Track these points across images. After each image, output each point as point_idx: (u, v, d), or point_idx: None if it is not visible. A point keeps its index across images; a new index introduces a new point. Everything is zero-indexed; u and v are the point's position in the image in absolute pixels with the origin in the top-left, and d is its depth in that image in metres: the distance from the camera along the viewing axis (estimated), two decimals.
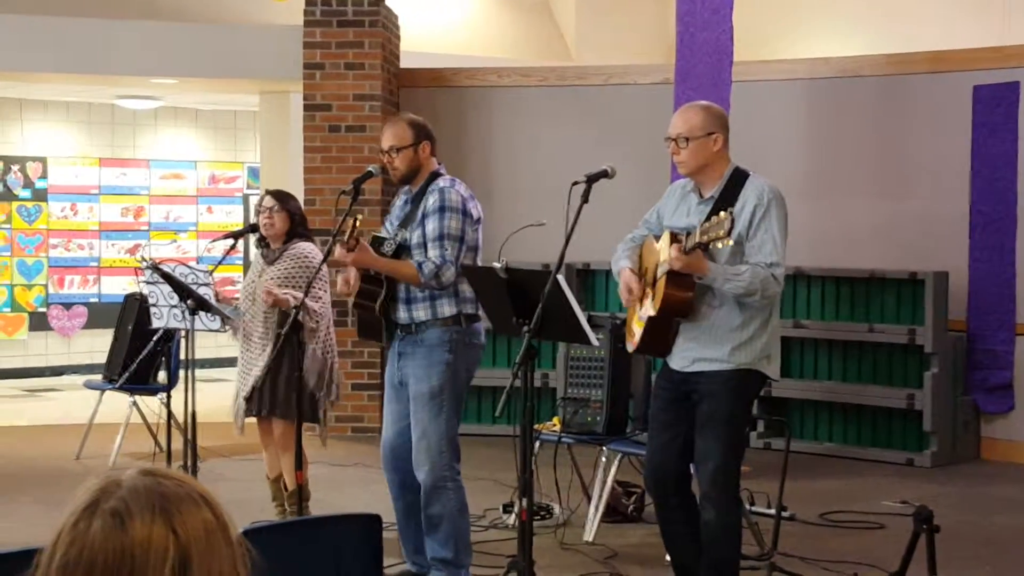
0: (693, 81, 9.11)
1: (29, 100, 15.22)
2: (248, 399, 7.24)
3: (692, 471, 5.64)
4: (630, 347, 5.71)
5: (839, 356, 10.21)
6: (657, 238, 5.56)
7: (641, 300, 5.55)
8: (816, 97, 10.66)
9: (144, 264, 7.52)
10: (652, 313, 5.39)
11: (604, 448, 7.51)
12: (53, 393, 14.26)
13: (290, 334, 6.39)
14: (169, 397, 7.83)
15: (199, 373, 7.34)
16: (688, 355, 5.46)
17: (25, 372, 15.30)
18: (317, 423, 7.35)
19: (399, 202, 6.28)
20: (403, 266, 5.97)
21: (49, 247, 15.52)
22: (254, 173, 16.11)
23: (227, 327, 7.40)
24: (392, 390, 6.23)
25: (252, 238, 7.58)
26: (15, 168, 15.25)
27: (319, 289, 7.08)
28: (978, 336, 10.01)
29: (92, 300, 15.73)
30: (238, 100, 15.23)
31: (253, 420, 7.40)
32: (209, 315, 7.21)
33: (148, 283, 7.46)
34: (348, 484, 8.83)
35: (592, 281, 10.99)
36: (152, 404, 9.48)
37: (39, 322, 15.44)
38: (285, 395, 7.12)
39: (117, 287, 15.23)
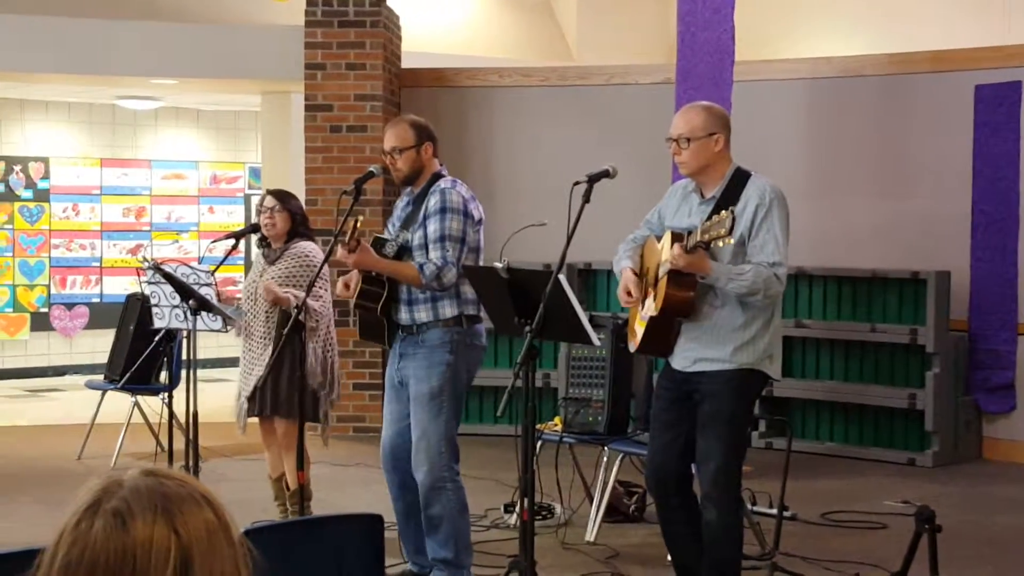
0: (694, 81, 9.11)
1: (30, 100, 15.22)
2: (250, 399, 7.24)
3: (693, 471, 5.64)
4: (632, 347, 5.71)
5: (841, 356, 10.21)
6: (658, 238, 5.56)
7: (643, 300, 5.55)
8: (818, 97, 10.66)
9: (146, 264, 7.52)
10: (654, 313, 5.39)
11: (605, 448, 7.51)
12: (55, 393, 14.27)
13: (291, 334, 6.39)
14: (171, 397, 7.82)
15: (201, 373, 7.34)
16: (690, 355, 5.46)
17: (27, 372, 15.30)
18: (319, 422, 7.35)
19: (401, 203, 6.29)
20: (404, 267, 5.97)
21: (51, 247, 15.53)
22: (255, 173, 16.11)
23: (229, 327, 7.40)
24: (392, 390, 6.23)
25: (253, 238, 7.58)
26: (17, 168, 15.25)
27: (320, 288, 7.08)
28: (980, 336, 10.00)
29: (94, 300, 15.74)
30: (239, 100, 15.24)
31: (255, 420, 7.40)
32: (211, 315, 7.21)
33: (150, 283, 7.46)
34: (350, 484, 8.84)
35: (593, 281, 10.99)
36: (154, 404, 9.48)
37: (41, 322, 15.45)
38: (287, 394, 7.12)
39: (119, 287, 15.23)
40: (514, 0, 14.76)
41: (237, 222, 16.17)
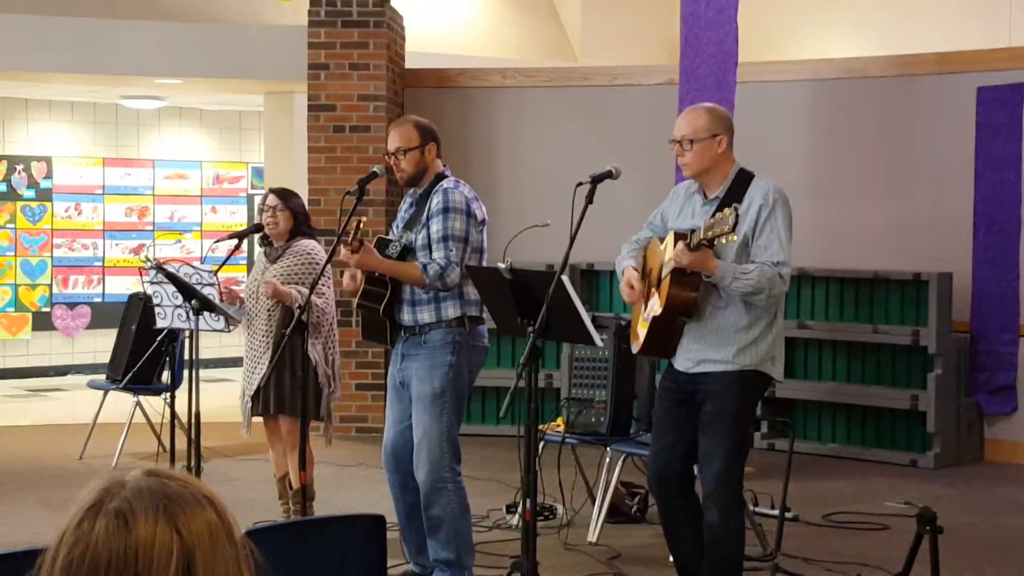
0: (697, 82, 9.11)
1: (34, 100, 15.23)
2: (253, 397, 7.24)
3: (696, 472, 5.64)
4: (634, 348, 5.71)
5: (843, 357, 10.21)
6: (661, 240, 5.56)
7: (646, 301, 5.55)
8: (821, 98, 10.66)
9: (148, 264, 7.51)
10: (657, 313, 5.39)
11: (608, 449, 7.51)
12: (57, 393, 14.27)
13: (292, 334, 6.39)
14: (173, 397, 7.82)
15: (203, 373, 7.33)
16: (693, 356, 5.46)
17: (29, 372, 15.31)
18: (323, 420, 7.34)
19: (404, 204, 6.29)
20: (407, 268, 5.98)
21: (53, 247, 15.53)
22: (258, 173, 16.11)
23: (231, 327, 7.40)
24: (394, 391, 6.23)
25: (255, 237, 7.58)
26: (20, 168, 15.25)
27: (322, 285, 7.07)
28: (982, 337, 10.00)
29: (96, 300, 15.74)
30: (243, 100, 15.24)
31: (260, 420, 7.40)
32: (213, 315, 7.21)
33: (152, 283, 7.46)
34: (352, 484, 8.84)
35: (596, 282, 10.99)
36: (156, 404, 9.48)
37: (43, 322, 15.45)
38: (291, 393, 7.12)
39: (121, 287, 15.23)
40: (518, 1, 14.76)
41: (240, 222, 16.17)
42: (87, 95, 14.97)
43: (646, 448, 6.43)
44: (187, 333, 7.38)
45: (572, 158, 10.67)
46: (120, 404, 9.83)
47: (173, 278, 7.19)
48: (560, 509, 7.67)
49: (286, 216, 7.30)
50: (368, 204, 10.20)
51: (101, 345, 14.20)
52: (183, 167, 16.31)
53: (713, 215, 5.19)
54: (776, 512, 7.22)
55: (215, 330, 7.35)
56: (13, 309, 15.29)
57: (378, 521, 3.83)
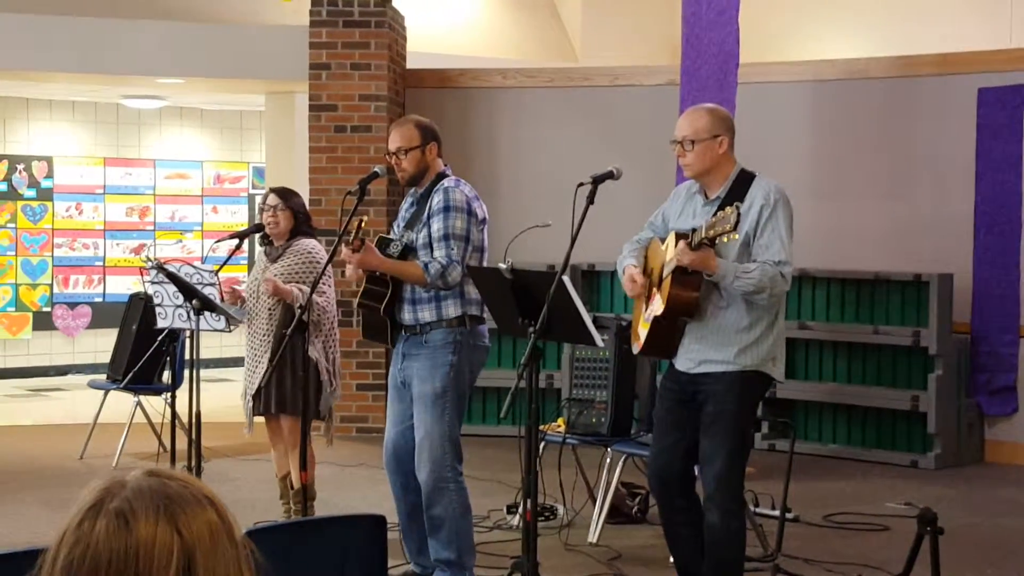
0: (699, 83, 9.11)
1: (35, 99, 15.23)
2: (255, 397, 7.24)
3: (696, 472, 5.64)
4: (635, 349, 5.71)
5: (844, 358, 10.20)
6: (662, 240, 5.56)
7: (647, 301, 5.55)
8: (822, 99, 10.66)
9: (149, 264, 7.52)
10: (658, 313, 5.39)
11: (608, 449, 7.51)
12: (57, 393, 14.27)
13: (293, 334, 6.38)
14: (173, 397, 7.82)
15: (203, 373, 7.33)
16: (694, 356, 5.46)
17: (29, 371, 15.31)
18: (324, 419, 7.34)
19: (405, 204, 6.29)
20: (409, 267, 5.98)
21: (54, 246, 15.53)
22: (259, 173, 16.12)
23: (232, 327, 7.40)
24: (395, 391, 6.23)
25: (256, 237, 7.58)
26: (20, 167, 15.26)
27: (323, 284, 7.07)
28: (982, 338, 10.00)
29: (97, 300, 15.74)
30: (244, 100, 15.24)
31: (261, 419, 7.39)
32: (214, 315, 7.22)
33: (153, 283, 7.46)
34: (353, 484, 8.84)
35: (597, 282, 10.99)
36: (156, 404, 9.48)
37: (43, 321, 15.45)
38: (292, 392, 7.12)
39: (122, 287, 15.23)
40: (519, 1, 14.76)
41: (241, 222, 16.17)
42: (88, 95, 14.98)
43: (647, 449, 6.43)
44: (188, 333, 7.38)
45: (573, 159, 10.67)
46: (121, 404, 9.83)
47: (174, 278, 7.19)
48: (561, 510, 7.67)
49: (287, 216, 7.30)
50: (369, 204, 10.20)
51: (102, 345, 14.20)
52: (184, 167, 16.31)
53: (714, 215, 5.19)
54: (777, 513, 7.22)
55: (216, 330, 7.36)
56: (14, 309, 15.29)
57: (379, 521, 3.82)
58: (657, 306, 5.41)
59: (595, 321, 5.75)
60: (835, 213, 10.45)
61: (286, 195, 7.40)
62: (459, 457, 6.05)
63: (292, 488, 7.30)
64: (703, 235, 5.12)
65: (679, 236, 5.30)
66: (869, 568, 6.76)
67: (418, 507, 6.12)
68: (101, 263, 15.84)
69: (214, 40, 11.63)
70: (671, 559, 5.97)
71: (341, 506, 7.93)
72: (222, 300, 7.22)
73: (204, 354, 7.76)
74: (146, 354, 9.42)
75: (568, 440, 7.63)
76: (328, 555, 3.66)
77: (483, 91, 11.49)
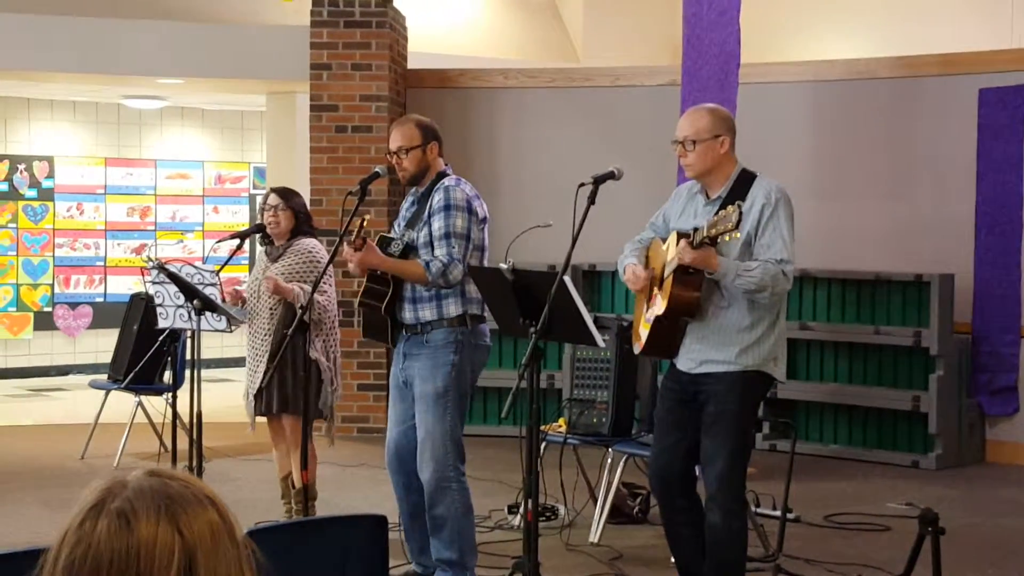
0: (700, 83, 9.10)
1: (36, 99, 15.23)
2: (256, 396, 7.24)
3: (697, 473, 5.63)
4: (636, 349, 5.71)
5: (845, 358, 10.20)
6: (663, 240, 5.56)
7: (648, 302, 5.54)
8: (823, 99, 10.66)
9: (150, 264, 7.52)
10: (660, 312, 5.39)
11: (610, 449, 7.51)
12: (58, 393, 14.27)
13: (294, 334, 6.38)
14: (174, 397, 7.83)
15: (204, 373, 7.34)
16: (695, 356, 5.46)
17: (30, 372, 15.31)
18: (325, 418, 7.34)
19: (406, 203, 6.29)
20: (410, 265, 5.98)
21: (55, 247, 15.53)
22: (260, 173, 16.11)
23: (233, 327, 7.40)
24: (397, 391, 6.23)
25: (257, 237, 7.58)
26: (21, 167, 15.26)
27: (324, 283, 7.07)
28: (983, 338, 10.00)
29: (98, 300, 15.74)
30: (245, 100, 15.24)
31: (263, 419, 7.39)
32: (215, 315, 7.22)
33: (154, 283, 7.47)
34: (354, 484, 8.84)
35: (598, 282, 10.99)
36: (157, 404, 9.48)
37: (44, 322, 15.45)
38: (293, 392, 7.12)
39: (123, 287, 15.23)
40: (520, 1, 14.76)
41: (242, 222, 16.16)
42: (89, 95, 14.98)
43: (648, 449, 6.43)
44: (189, 333, 7.38)
45: (574, 159, 10.67)
46: (122, 404, 9.83)
47: (175, 278, 7.19)
48: (562, 510, 7.67)
49: (287, 215, 7.30)
50: (370, 204, 10.19)
51: (103, 345, 14.21)
52: (185, 167, 16.31)
53: (716, 214, 5.19)
54: (778, 513, 7.22)
55: (217, 330, 7.36)
56: (15, 309, 15.29)
57: (380, 521, 3.82)
58: (659, 306, 5.41)
59: (596, 321, 5.75)
60: (836, 213, 10.45)
61: (287, 195, 7.40)
62: (462, 457, 6.05)
63: (294, 488, 7.30)
64: (705, 234, 5.12)
65: (681, 236, 5.30)
66: (870, 568, 6.76)
67: (420, 507, 6.12)
68: (102, 263, 15.84)
69: (215, 40, 11.63)
70: (672, 559, 5.97)
71: (342, 506, 7.92)
72: (223, 300, 7.22)
73: (205, 354, 7.76)
74: (147, 354, 9.42)
75: (569, 440, 7.63)
76: (329, 555, 3.66)
77: (484, 91, 11.49)
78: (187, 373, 7.48)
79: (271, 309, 7.22)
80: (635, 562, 6.97)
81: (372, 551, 3.76)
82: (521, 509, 6.69)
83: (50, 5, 11.61)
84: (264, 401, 7.22)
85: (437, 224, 5.95)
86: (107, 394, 9.89)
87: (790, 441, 7.42)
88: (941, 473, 9.49)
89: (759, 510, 7.63)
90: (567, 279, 5.12)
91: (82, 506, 1.75)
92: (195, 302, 7.11)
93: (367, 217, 5.98)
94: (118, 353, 10.08)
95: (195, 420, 7.13)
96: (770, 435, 10.15)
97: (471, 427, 6.79)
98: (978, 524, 7.88)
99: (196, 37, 11.62)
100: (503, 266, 5.37)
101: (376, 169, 6.29)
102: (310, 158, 11.06)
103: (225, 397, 11.27)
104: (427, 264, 5.91)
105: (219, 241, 7.98)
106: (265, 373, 7.03)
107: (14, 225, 15.26)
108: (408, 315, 6.06)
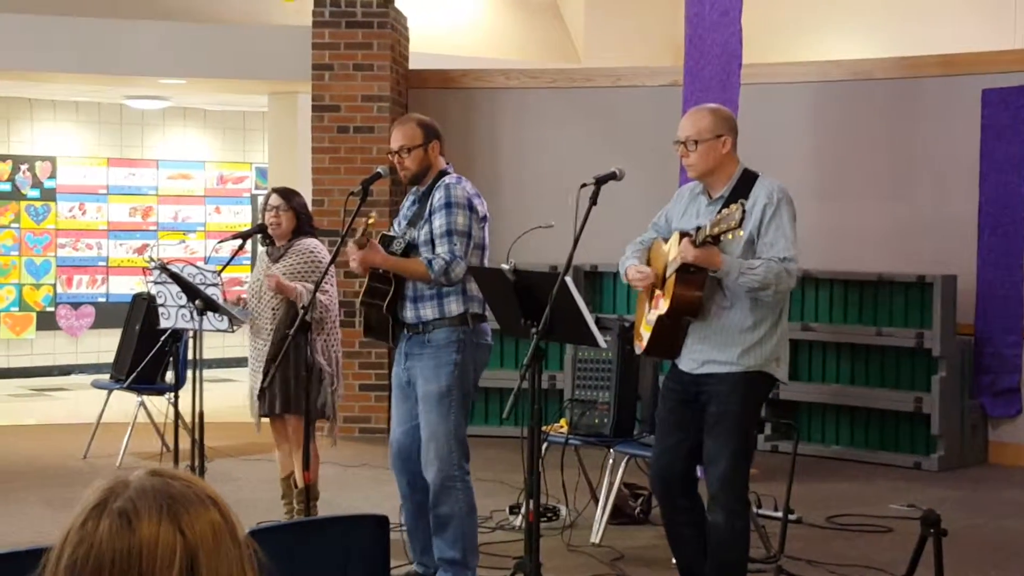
0: (702, 83, 9.10)
1: (39, 100, 15.24)
2: (259, 397, 7.24)
3: (699, 473, 5.63)
4: (638, 349, 5.71)
5: (847, 359, 10.20)
6: (666, 240, 5.56)
7: (650, 303, 5.54)
8: (825, 100, 10.65)
9: (152, 264, 7.53)
10: (662, 312, 5.38)
11: (611, 450, 7.51)
12: (60, 392, 14.28)
13: (296, 334, 6.38)
14: (177, 397, 7.83)
15: (206, 373, 7.34)
16: (698, 357, 5.45)
17: (33, 371, 15.32)
18: (328, 418, 7.34)
19: (407, 202, 6.29)
20: (412, 263, 5.98)
21: (57, 247, 15.54)
22: (262, 173, 16.11)
23: (235, 327, 7.41)
24: (399, 391, 6.22)
25: (258, 237, 7.58)
26: (24, 167, 15.27)
27: (326, 283, 7.08)
28: (986, 340, 10.00)
29: (100, 300, 15.75)
30: (247, 101, 15.24)
31: (266, 420, 7.40)
32: (217, 315, 7.22)
33: (156, 283, 7.47)
34: (356, 485, 8.84)
35: (600, 283, 10.99)
36: (159, 404, 9.49)
37: (47, 321, 15.46)
38: (296, 392, 7.12)
39: (125, 287, 15.24)
40: (521, 2, 14.76)
41: (244, 222, 16.17)
42: (91, 95, 14.99)
43: (649, 449, 6.42)
44: (191, 333, 7.39)
45: (576, 159, 10.67)
46: (124, 404, 9.83)
47: (177, 278, 7.20)
48: (563, 510, 7.67)
49: (289, 216, 7.30)
50: (372, 204, 10.17)
51: (105, 345, 14.20)
52: (187, 167, 16.32)
53: (719, 212, 5.18)
54: (779, 514, 7.22)
55: (219, 330, 7.36)
56: (17, 309, 15.30)
57: (381, 521, 3.82)
58: (661, 305, 5.41)
59: (597, 322, 5.75)
60: (838, 214, 10.44)
61: (289, 195, 7.40)
62: (466, 456, 6.05)
63: (296, 488, 7.30)
64: (708, 232, 5.12)
65: (683, 235, 5.29)
66: (872, 570, 6.76)
67: (424, 506, 6.12)
68: (104, 263, 15.85)
69: (217, 40, 11.64)
70: (673, 560, 5.96)
71: (344, 506, 7.92)
72: (225, 300, 7.22)
73: (207, 354, 7.77)
74: (149, 354, 9.43)
75: (571, 441, 7.62)
76: (331, 555, 3.66)
77: (486, 92, 11.49)
78: (189, 373, 7.48)
79: (273, 309, 7.22)
80: (636, 563, 6.96)
81: (374, 551, 3.76)
82: (523, 509, 6.69)
83: (52, 5, 11.61)
84: (267, 401, 7.22)
85: (438, 222, 5.96)
86: (109, 394, 9.89)
87: (792, 442, 7.42)
88: (943, 475, 9.49)
89: (761, 511, 7.63)
90: (569, 280, 5.12)
91: (84, 506, 1.75)
92: (197, 302, 7.11)
93: (372, 216, 5.98)
94: (120, 353, 10.08)
95: (197, 420, 7.13)
96: (772, 436, 10.15)
97: (473, 427, 6.78)
98: (980, 526, 7.88)
99: (198, 37, 11.63)
100: (505, 267, 5.37)
101: (378, 169, 6.29)
102: (312, 158, 11.06)
103: (227, 397, 11.27)
104: (429, 262, 5.92)
105: (221, 241, 7.98)
106: (267, 374, 7.03)
107: (17, 225, 15.27)
108: (409, 314, 6.06)
